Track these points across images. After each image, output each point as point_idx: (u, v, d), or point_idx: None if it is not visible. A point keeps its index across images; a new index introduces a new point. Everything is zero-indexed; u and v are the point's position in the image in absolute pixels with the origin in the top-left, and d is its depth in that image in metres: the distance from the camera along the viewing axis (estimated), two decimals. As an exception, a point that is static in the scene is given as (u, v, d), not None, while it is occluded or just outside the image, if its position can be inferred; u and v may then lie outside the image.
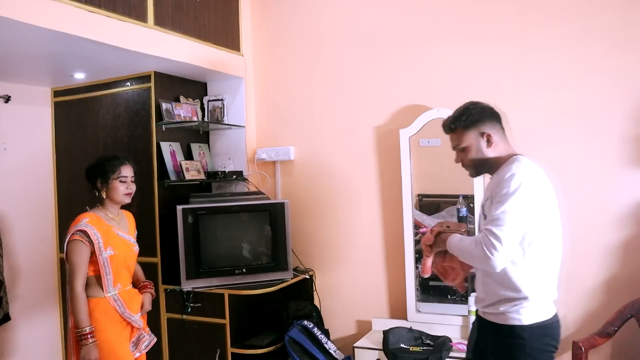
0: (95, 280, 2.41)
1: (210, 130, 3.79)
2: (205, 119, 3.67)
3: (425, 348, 2.87)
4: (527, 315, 1.83)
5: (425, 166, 3.23)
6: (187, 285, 3.15)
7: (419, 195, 3.27)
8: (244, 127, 3.68)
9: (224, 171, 3.56)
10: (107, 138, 3.49)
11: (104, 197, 2.49)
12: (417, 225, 3.21)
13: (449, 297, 3.19)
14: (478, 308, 2.01)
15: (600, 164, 2.81)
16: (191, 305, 3.16)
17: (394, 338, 2.92)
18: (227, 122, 3.66)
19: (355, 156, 3.43)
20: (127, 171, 2.51)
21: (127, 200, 2.53)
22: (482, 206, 1.98)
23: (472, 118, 1.95)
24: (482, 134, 1.94)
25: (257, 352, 3.09)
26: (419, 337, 2.98)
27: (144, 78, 3.34)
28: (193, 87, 3.67)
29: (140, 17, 2.89)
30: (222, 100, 3.67)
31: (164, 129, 3.34)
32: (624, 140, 2.76)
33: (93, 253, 2.38)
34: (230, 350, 3.09)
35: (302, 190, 3.60)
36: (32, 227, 3.65)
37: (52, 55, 2.92)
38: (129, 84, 3.39)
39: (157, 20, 3.00)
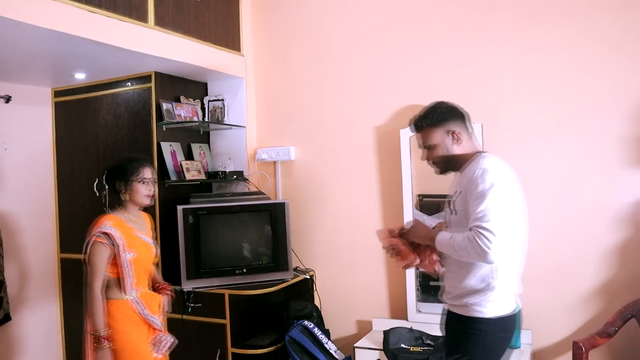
0: (116, 282, 2.39)
1: (211, 131, 3.79)
2: (206, 119, 3.67)
3: (425, 348, 2.87)
4: (491, 307, 1.89)
5: (425, 166, 3.19)
6: (188, 285, 3.15)
7: (419, 195, 3.27)
8: (244, 127, 3.68)
9: (225, 171, 3.57)
10: (107, 138, 3.49)
11: (125, 199, 2.47)
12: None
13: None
14: (446, 301, 2.05)
15: (600, 165, 2.81)
16: (191, 305, 3.16)
17: (394, 338, 2.92)
18: (227, 122, 3.66)
19: (356, 156, 3.43)
20: (147, 173, 2.50)
21: (148, 202, 2.51)
22: (453, 202, 2.02)
23: (439, 117, 2.02)
24: (449, 132, 2.01)
25: (257, 352, 3.09)
26: (419, 337, 2.98)
27: (144, 78, 3.34)
28: (193, 87, 3.67)
29: (141, 17, 2.90)
30: (222, 100, 3.67)
31: (164, 129, 3.34)
32: (623, 141, 2.76)
33: (114, 255, 2.36)
34: (230, 350, 3.09)
35: (303, 190, 3.59)
36: (33, 227, 3.65)
37: (52, 55, 2.92)
38: (129, 84, 3.40)
39: (158, 21, 3.00)
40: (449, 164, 2.05)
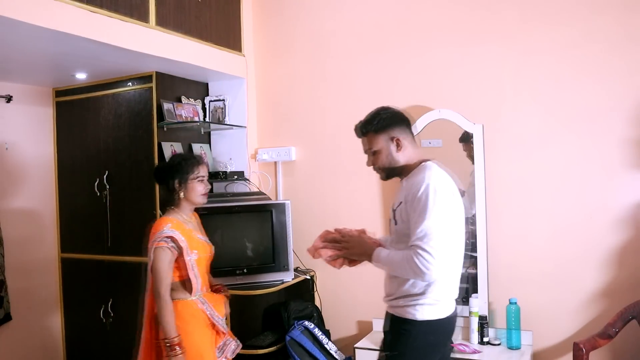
0: (180, 285, 2.35)
1: (212, 131, 3.79)
2: (207, 119, 3.66)
3: (426, 349, 2.87)
4: (423, 311, 1.93)
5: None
6: (188, 286, 3.14)
7: (420, 196, 3.26)
8: (245, 127, 3.68)
9: (225, 171, 3.56)
10: (108, 138, 3.49)
11: (181, 198, 2.42)
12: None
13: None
14: (385, 302, 2.09)
15: (601, 166, 2.81)
16: (192, 305, 3.16)
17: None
18: (228, 123, 3.65)
19: (357, 156, 3.39)
20: (204, 171, 2.46)
21: (204, 200, 2.47)
22: (394, 210, 2.03)
23: (382, 123, 2.03)
24: (392, 139, 2.02)
25: (258, 353, 3.09)
26: (419, 338, 2.98)
27: (145, 78, 3.34)
28: (194, 87, 3.67)
29: (142, 17, 2.89)
30: (223, 100, 3.67)
31: (165, 129, 3.34)
32: (624, 143, 2.76)
33: (177, 258, 2.32)
34: (231, 350, 3.09)
35: (304, 190, 3.59)
36: (34, 227, 3.65)
37: (53, 55, 2.92)
38: (130, 84, 3.39)
39: (159, 21, 3.00)
40: (392, 170, 2.07)
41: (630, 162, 2.75)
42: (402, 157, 2.03)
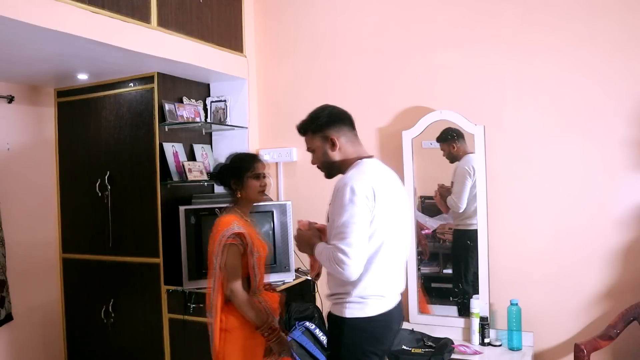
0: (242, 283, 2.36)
1: (213, 131, 3.79)
2: (208, 120, 3.67)
3: (427, 350, 2.87)
4: (351, 309, 1.96)
5: (427, 168, 3.23)
6: (189, 286, 3.14)
7: (421, 197, 3.27)
8: (246, 128, 3.68)
9: (227, 172, 3.56)
10: (110, 138, 3.49)
11: (240, 196, 2.42)
12: (420, 227, 3.22)
13: (451, 299, 3.19)
14: (327, 300, 2.14)
15: (603, 168, 2.81)
16: (193, 305, 3.15)
17: (395, 340, 2.91)
18: (229, 123, 3.66)
19: (358, 157, 3.42)
20: (261, 167, 2.46)
21: (262, 198, 2.47)
22: (328, 209, 2.05)
23: (319, 122, 2.10)
24: (326, 138, 2.07)
25: (258, 353, 3.09)
26: (420, 338, 2.98)
27: (147, 79, 3.34)
28: (196, 88, 3.68)
29: (144, 18, 2.90)
30: (224, 101, 3.67)
31: (166, 129, 3.34)
32: (626, 144, 2.76)
33: (242, 256, 2.34)
34: (232, 351, 3.09)
35: (305, 191, 3.59)
36: (35, 227, 3.66)
37: (55, 55, 2.92)
38: (132, 84, 3.40)
39: (161, 21, 3.00)
40: (331, 169, 2.12)
41: (632, 164, 2.75)
42: (338, 155, 2.07)
